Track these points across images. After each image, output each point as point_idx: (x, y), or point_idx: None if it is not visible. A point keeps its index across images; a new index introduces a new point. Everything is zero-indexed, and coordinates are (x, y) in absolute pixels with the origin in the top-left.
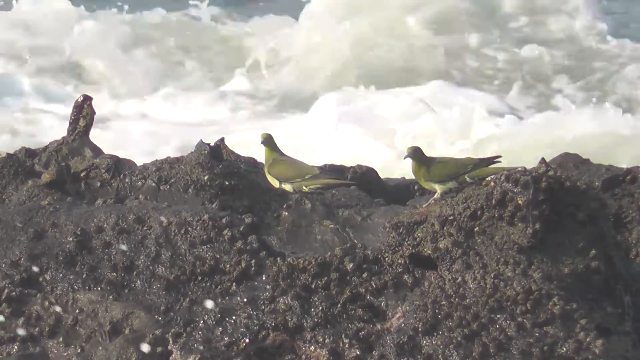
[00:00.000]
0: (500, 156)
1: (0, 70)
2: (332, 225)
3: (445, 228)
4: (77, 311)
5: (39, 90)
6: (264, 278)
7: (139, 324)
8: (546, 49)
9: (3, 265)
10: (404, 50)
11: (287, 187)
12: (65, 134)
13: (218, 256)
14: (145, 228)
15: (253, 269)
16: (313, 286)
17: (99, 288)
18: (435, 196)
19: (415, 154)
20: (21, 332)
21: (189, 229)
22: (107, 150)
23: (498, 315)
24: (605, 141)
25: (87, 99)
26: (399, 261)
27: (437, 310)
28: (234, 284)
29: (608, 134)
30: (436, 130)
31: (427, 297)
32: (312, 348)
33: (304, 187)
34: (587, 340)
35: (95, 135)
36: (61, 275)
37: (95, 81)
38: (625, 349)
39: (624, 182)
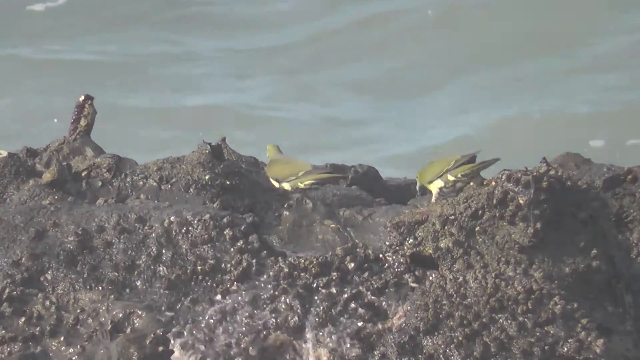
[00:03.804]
0: (479, 150)
1: None
2: (333, 225)
3: (446, 227)
4: (79, 311)
5: None
6: (265, 277)
7: (140, 324)
8: None
9: (4, 264)
10: None
11: (286, 185)
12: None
13: (219, 255)
14: (146, 227)
15: (254, 268)
16: (314, 286)
17: (101, 287)
18: (433, 197)
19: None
20: (22, 331)
21: (190, 228)
22: None
23: (499, 315)
24: None
25: (89, 98)
26: (400, 261)
27: (438, 310)
28: (235, 283)
29: None
30: None
31: (428, 296)
32: (314, 347)
33: (299, 184)
34: (588, 339)
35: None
36: (62, 274)
37: None
38: (627, 348)
39: (625, 182)
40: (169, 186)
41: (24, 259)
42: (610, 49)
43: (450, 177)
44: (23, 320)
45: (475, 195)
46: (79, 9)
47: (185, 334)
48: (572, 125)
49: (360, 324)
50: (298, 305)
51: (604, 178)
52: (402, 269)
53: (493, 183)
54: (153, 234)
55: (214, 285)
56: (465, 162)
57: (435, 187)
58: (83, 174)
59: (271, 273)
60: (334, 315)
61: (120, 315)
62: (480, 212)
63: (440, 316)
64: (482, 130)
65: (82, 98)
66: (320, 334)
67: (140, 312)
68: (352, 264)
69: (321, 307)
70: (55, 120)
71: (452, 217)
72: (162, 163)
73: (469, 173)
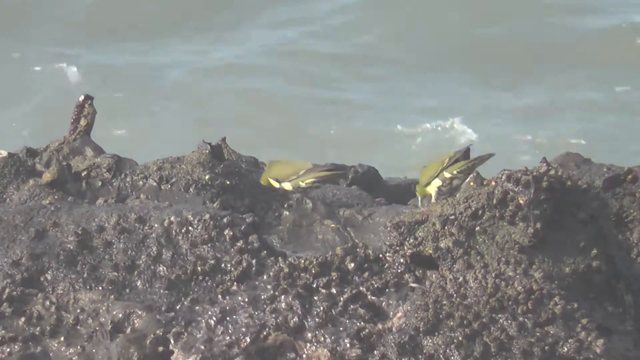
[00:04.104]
0: (471, 143)
1: None
2: (333, 225)
3: (446, 227)
4: (79, 311)
5: None
6: (265, 277)
7: (140, 324)
8: None
9: (4, 264)
10: None
11: (286, 185)
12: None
13: (219, 256)
14: (146, 227)
15: (254, 268)
16: (314, 286)
17: (101, 287)
18: (433, 197)
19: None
20: (22, 331)
21: (190, 228)
22: None
23: (499, 315)
24: None
25: (89, 98)
26: (400, 261)
27: (438, 310)
28: (235, 283)
29: None
30: None
31: (428, 296)
32: (313, 348)
33: (300, 183)
34: (588, 339)
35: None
36: (62, 274)
37: None
38: (627, 348)
39: (625, 182)
40: (169, 186)
41: (24, 259)
42: None
43: (447, 175)
44: (23, 320)
45: (475, 195)
46: None
47: (185, 334)
48: None
49: (360, 324)
50: (298, 306)
51: (604, 178)
52: (402, 269)
53: (493, 183)
54: (153, 234)
55: (214, 285)
56: (459, 157)
57: (433, 187)
58: (83, 174)
59: (271, 273)
60: (334, 315)
61: (120, 315)
62: (480, 212)
63: (441, 316)
64: None
65: (82, 98)
66: (321, 334)
67: (140, 312)
68: (352, 264)
69: (321, 307)
70: None
71: (452, 217)
72: (162, 163)
73: (465, 169)
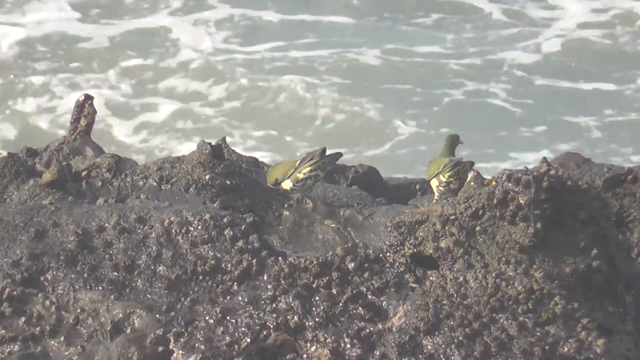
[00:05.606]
0: (463, 157)
1: None
2: (333, 225)
3: (446, 227)
4: (79, 310)
5: None
6: (265, 277)
7: (140, 324)
8: None
9: (4, 264)
10: None
11: (285, 185)
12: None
13: (219, 255)
14: (146, 227)
15: (254, 268)
16: (314, 286)
17: (101, 287)
18: (435, 195)
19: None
20: (22, 331)
21: (190, 228)
22: None
23: (499, 315)
24: None
25: (89, 98)
26: (401, 260)
27: (438, 310)
28: (235, 283)
29: None
30: None
31: (428, 296)
32: (314, 347)
33: (298, 175)
34: (589, 339)
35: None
36: (62, 274)
37: None
38: (627, 348)
39: (626, 182)
40: (169, 186)
41: (24, 259)
42: None
43: (443, 178)
44: (23, 320)
45: (475, 195)
46: None
47: (185, 334)
48: None
49: (360, 324)
50: (298, 305)
51: (605, 178)
52: (402, 269)
53: (493, 183)
54: (153, 234)
55: (214, 285)
56: (453, 165)
57: (434, 185)
58: (83, 174)
59: (271, 273)
60: (334, 315)
61: (120, 315)
62: (480, 212)
63: (441, 316)
64: None
65: (82, 98)
66: (321, 334)
67: (140, 312)
68: (353, 264)
69: (321, 307)
70: None
71: (453, 217)
72: (162, 163)
73: (453, 174)
